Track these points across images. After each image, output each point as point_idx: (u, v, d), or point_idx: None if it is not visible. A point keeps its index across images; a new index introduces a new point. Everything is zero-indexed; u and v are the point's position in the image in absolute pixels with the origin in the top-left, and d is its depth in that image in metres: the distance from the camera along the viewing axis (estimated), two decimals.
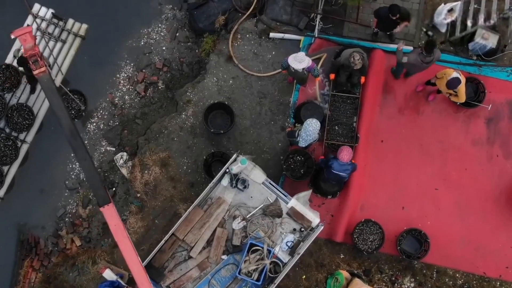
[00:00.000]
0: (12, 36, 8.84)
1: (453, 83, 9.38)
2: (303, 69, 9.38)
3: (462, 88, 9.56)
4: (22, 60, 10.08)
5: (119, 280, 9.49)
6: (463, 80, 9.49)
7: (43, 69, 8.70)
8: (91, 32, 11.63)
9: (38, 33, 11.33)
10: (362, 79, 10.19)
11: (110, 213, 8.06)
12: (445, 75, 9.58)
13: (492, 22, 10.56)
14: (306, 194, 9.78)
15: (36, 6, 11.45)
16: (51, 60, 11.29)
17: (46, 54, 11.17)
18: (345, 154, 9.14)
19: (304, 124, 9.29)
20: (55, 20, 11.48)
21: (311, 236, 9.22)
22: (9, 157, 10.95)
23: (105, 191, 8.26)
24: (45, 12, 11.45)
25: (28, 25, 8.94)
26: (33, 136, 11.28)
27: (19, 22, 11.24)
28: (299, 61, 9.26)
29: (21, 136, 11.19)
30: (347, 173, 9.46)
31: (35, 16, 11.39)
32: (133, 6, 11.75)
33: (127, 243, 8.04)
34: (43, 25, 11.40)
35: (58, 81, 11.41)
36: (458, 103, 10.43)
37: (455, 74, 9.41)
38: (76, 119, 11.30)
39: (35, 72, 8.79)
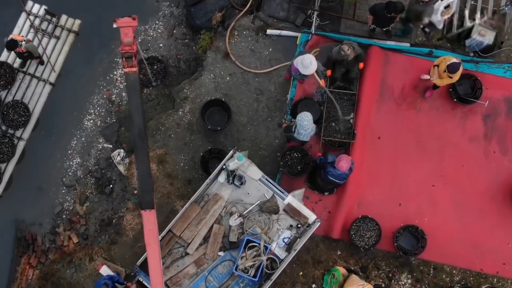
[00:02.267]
0: (115, 25, 8.39)
1: (455, 66, 9.37)
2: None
3: (459, 73, 9.58)
4: (11, 44, 10.03)
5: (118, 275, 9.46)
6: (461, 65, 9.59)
7: (134, 69, 8.34)
8: (85, 28, 11.63)
9: (32, 30, 11.33)
10: (361, 65, 10.12)
11: (149, 218, 8.19)
12: (444, 59, 9.61)
13: (489, 19, 10.57)
14: (300, 192, 9.78)
15: (29, 3, 11.44)
16: (45, 57, 11.30)
17: (40, 51, 11.16)
18: (344, 163, 9.09)
19: (298, 121, 9.25)
20: (48, 17, 11.46)
21: (308, 232, 9.22)
22: (6, 155, 10.96)
23: (153, 197, 8.37)
24: (38, 9, 11.44)
25: (132, 17, 8.19)
26: (30, 133, 11.28)
27: (12, 20, 11.30)
28: (306, 66, 9.21)
29: (18, 133, 11.19)
30: (344, 180, 9.50)
31: (29, 13, 11.37)
32: (129, 2, 11.75)
33: (155, 248, 8.21)
34: (37, 22, 11.41)
35: (52, 78, 11.42)
36: (455, 100, 10.46)
37: (455, 60, 9.48)
38: (163, 79, 10.63)
39: (125, 70, 8.43)
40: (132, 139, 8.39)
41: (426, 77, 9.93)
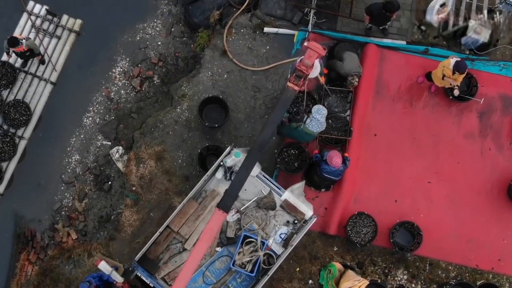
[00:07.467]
0: (305, 44, 8.51)
1: (462, 65, 9.40)
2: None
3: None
4: (13, 40, 10.11)
5: (114, 272, 9.49)
6: None
7: (296, 88, 8.43)
8: (86, 28, 11.73)
9: (33, 30, 11.41)
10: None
11: (218, 218, 8.28)
12: (443, 67, 9.65)
13: (484, 16, 10.65)
14: (300, 185, 9.85)
15: (31, 4, 11.52)
16: (46, 57, 11.38)
17: (41, 50, 11.24)
18: (336, 159, 9.23)
19: (313, 111, 9.31)
20: (49, 17, 11.54)
21: (304, 228, 9.28)
22: (7, 154, 11.04)
23: (233, 203, 8.54)
24: (39, 9, 11.52)
25: (323, 47, 8.52)
26: (31, 132, 11.35)
27: (14, 20, 11.38)
28: (314, 67, 9.31)
29: (19, 133, 11.26)
30: (339, 176, 9.58)
31: (30, 13, 11.45)
32: (128, 1, 11.83)
33: (204, 247, 8.23)
34: (38, 21, 11.47)
35: (54, 77, 11.51)
36: (451, 97, 10.52)
37: (456, 58, 9.52)
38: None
39: (289, 84, 8.47)
40: (252, 146, 8.49)
41: (455, 86, 9.92)
